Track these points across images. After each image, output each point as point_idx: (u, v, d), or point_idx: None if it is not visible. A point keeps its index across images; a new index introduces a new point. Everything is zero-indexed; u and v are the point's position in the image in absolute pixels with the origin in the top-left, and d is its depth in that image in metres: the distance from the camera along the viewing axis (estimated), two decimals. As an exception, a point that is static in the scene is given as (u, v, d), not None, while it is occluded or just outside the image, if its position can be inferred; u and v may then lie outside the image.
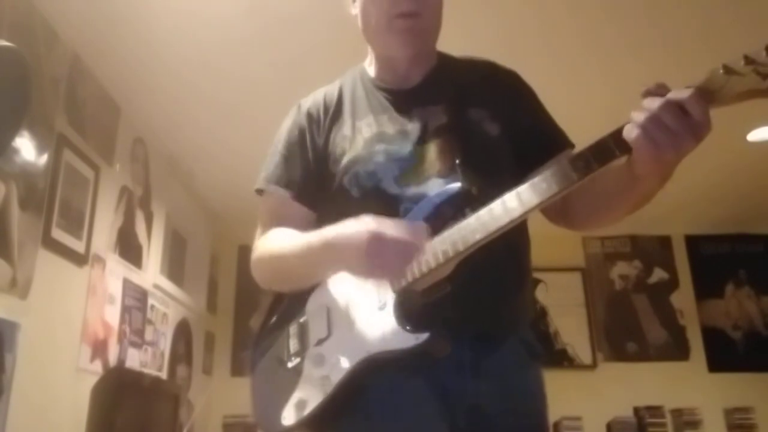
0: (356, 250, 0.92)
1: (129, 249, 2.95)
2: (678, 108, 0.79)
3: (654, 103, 0.80)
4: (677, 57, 2.53)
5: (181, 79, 2.74)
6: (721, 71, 0.78)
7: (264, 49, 2.54)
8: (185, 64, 2.63)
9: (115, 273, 2.77)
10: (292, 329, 1.09)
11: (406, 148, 1.09)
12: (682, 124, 0.79)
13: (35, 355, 2.10)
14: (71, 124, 2.44)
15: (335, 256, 0.97)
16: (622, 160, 0.85)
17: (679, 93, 0.80)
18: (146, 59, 2.59)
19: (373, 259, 0.91)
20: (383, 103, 1.17)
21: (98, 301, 2.59)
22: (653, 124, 0.79)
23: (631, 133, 0.82)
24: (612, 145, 0.84)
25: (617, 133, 0.84)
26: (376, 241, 0.91)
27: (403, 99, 1.16)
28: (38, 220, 2.18)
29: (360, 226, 0.94)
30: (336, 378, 0.97)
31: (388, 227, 0.92)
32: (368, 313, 0.98)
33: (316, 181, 1.16)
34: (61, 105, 2.38)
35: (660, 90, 0.82)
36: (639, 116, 0.81)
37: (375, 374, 0.95)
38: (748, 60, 0.76)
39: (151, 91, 2.83)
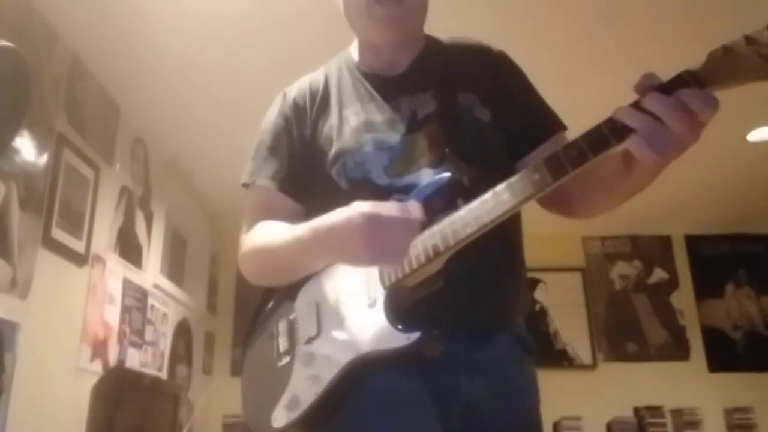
0: (353, 235, 0.87)
1: (129, 249, 2.95)
2: (691, 115, 0.74)
3: (656, 106, 0.76)
4: (669, 47, 2.52)
5: (181, 79, 2.74)
6: (721, 53, 0.74)
7: (264, 49, 2.55)
8: (185, 64, 2.63)
9: (115, 273, 2.77)
10: (282, 327, 1.05)
11: (394, 137, 1.06)
12: (690, 129, 0.75)
13: (35, 355, 2.10)
14: (71, 124, 2.44)
15: (329, 246, 0.92)
16: (617, 148, 0.81)
17: (693, 98, 0.75)
18: (146, 59, 2.59)
19: (373, 242, 0.86)
20: (370, 91, 1.13)
21: (98, 301, 2.59)
22: (656, 129, 0.75)
23: (639, 146, 0.77)
24: (607, 134, 0.80)
25: (612, 121, 0.80)
26: (374, 222, 0.86)
27: (390, 86, 1.13)
28: (38, 220, 2.18)
29: (352, 210, 0.89)
30: (326, 378, 0.94)
31: (381, 207, 0.88)
32: (358, 310, 0.95)
33: (302, 173, 1.12)
34: (61, 105, 2.38)
35: (651, 81, 0.78)
36: (639, 120, 0.77)
37: (366, 373, 0.92)
38: (750, 40, 0.73)
39: (151, 91, 2.83)
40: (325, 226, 0.93)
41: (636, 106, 0.78)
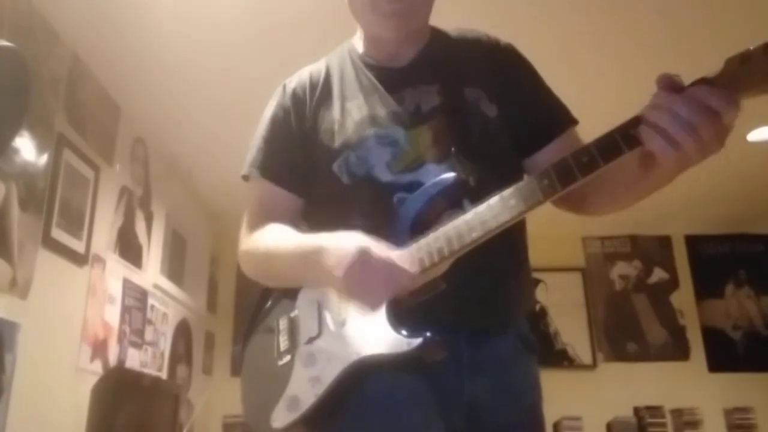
0: (338, 265, 0.88)
1: (129, 249, 2.95)
2: (717, 118, 0.72)
3: (691, 114, 0.72)
4: (682, 46, 2.52)
5: (180, 80, 2.74)
6: (739, 60, 0.72)
7: (262, 50, 2.54)
8: (185, 65, 2.63)
9: (115, 273, 2.77)
10: (282, 325, 1.04)
11: (398, 131, 1.04)
12: (715, 134, 0.73)
13: (35, 355, 2.10)
14: (71, 124, 2.44)
15: (318, 267, 0.93)
16: (628, 155, 0.79)
17: (718, 100, 0.72)
18: (146, 59, 2.59)
19: (353, 280, 0.87)
20: (373, 83, 1.11)
21: (98, 301, 2.59)
22: (690, 137, 0.73)
23: (662, 147, 0.75)
24: (619, 141, 0.78)
25: (625, 128, 0.78)
26: (362, 260, 0.87)
27: (394, 78, 1.10)
28: (38, 220, 2.18)
29: (349, 241, 0.89)
30: (327, 380, 0.92)
31: (377, 249, 0.88)
32: (360, 312, 0.94)
33: (302, 166, 1.10)
34: (61, 105, 2.38)
35: (673, 81, 0.76)
36: (677, 129, 0.73)
37: (368, 375, 0.91)
38: None
39: (151, 92, 2.83)
40: (321, 248, 0.93)
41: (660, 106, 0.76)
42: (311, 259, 0.94)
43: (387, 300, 0.89)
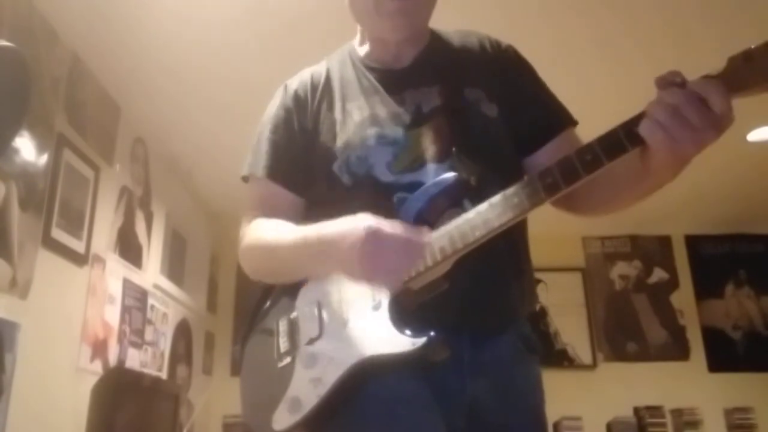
0: (351, 247, 0.86)
1: (129, 249, 2.95)
2: (701, 102, 0.73)
3: (674, 97, 0.74)
4: (684, 49, 2.51)
5: (180, 80, 2.74)
6: (742, 58, 0.72)
7: (262, 50, 2.54)
8: (185, 65, 2.63)
9: (115, 273, 2.77)
10: (282, 326, 1.03)
11: (398, 131, 1.04)
12: (704, 119, 0.73)
13: (35, 355, 2.10)
14: (71, 124, 2.44)
15: (328, 254, 0.91)
16: (632, 153, 0.79)
17: (702, 85, 0.74)
18: (146, 60, 2.59)
19: (369, 259, 0.85)
20: (374, 85, 1.11)
21: (98, 301, 2.59)
22: (674, 120, 0.74)
23: (649, 130, 0.76)
24: (623, 138, 0.78)
25: (628, 125, 0.78)
26: (374, 238, 0.85)
27: (394, 79, 1.10)
28: (38, 220, 2.18)
29: (357, 223, 0.88)
30: (329, 381, 0.92)
31: (387, 226, 0.87)
32: (362, 312, 0.93)
33: (303, 167, 1.10)
34: (61, 105, 2.38)
35: (675, 78, 0.76)
36: (658, 112, 0.75)
37: (370, 376, 0.90)
38: None
39: (151, 92, 2.83)
40: (330, 234, 0.91)
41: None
42: (320, 248, 0.93)
43: (403, 274, 0.88)
